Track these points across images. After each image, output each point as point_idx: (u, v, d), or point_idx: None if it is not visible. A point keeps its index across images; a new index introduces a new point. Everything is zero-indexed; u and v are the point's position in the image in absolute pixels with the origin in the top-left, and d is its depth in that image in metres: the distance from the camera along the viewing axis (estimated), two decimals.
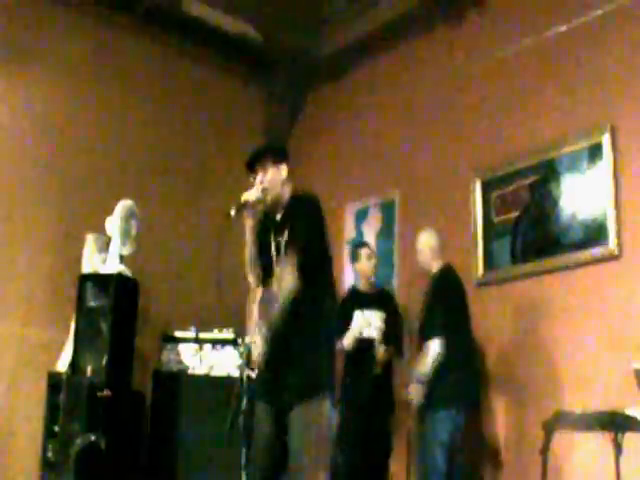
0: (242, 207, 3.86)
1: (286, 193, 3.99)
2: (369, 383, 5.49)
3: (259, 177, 3.99)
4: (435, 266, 5.28)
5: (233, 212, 3.83)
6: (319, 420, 3.67)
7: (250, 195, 3.89)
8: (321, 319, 3.80)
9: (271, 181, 3.96)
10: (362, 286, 5.87)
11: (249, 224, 3.93)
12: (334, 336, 4.17)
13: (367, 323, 5.63)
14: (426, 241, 5.34)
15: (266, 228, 4.04)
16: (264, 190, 3.92)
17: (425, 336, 5.02)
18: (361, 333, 5.59)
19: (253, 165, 4.07)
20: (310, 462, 3.60)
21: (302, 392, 3.70)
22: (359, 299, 5.76)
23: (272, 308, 3.87)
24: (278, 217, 4.01)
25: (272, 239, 3.97)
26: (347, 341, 5.53)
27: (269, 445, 3.76)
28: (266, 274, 3.98)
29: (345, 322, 5.58)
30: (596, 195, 5.12)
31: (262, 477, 3.78)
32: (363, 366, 5.55)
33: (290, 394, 3.72)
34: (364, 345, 5.56)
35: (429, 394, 4.98)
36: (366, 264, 5.78)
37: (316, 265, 3.81)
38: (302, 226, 3.85)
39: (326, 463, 3.66)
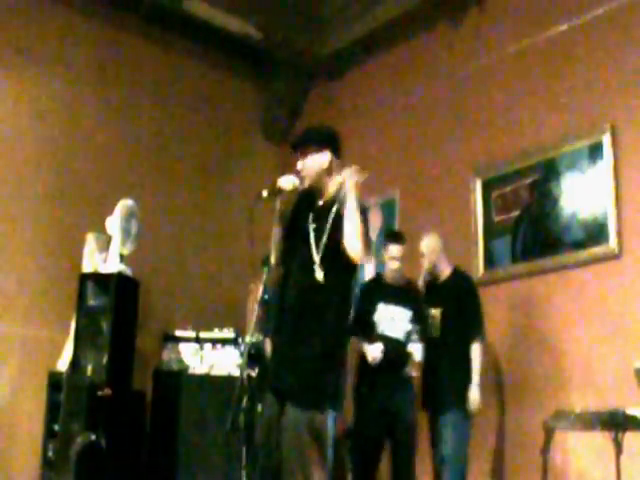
0: (276, 192, 3.72)
1: (328, 181, 3.83)
2: (399, 389, 5.05)
3: (299, 163, 3.81)
4: (447, 269, 5.25)
5: (265, 194, 3.70)
6: (318, 433, 3.61)
7: (286, 183, 3.72)
8: (336, 324, 3.70)
9: (310, 168, 3.78)
10: (388, 276, 5.28)
11: (280, 208, 3.77)
12: (345, 344, 4.01)
13: (391, 320, 5.11)
14: (435, 244, 5.28)
15: (301, 211, 3.94)
16: (301, 178, 3.78)
17: (469, 338, 5.00)
18: (383, 331, 5.07)
19: (295, 149, 3.89)
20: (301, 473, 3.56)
21: (300, 396, 3.65)
22: (385, 291, 5.22)
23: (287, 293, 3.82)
24: (320, 203, 3.89)
25: (310, 223, 3.85)
26: (375, 355, 5.00)
27: (272, 435, 3.71)
28: (290, 258, 3.88)
29: (366, 313, 5.12)
30: (596, 194, 5.12)
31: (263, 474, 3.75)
32: (388, 370, 5.02)
33: (288, 391, 3.67)
34: (388, 346, 5.02)
35: (443, 397, 5.01)
36: (389, 262, 5.23)
37: (345, 268, 3.71)
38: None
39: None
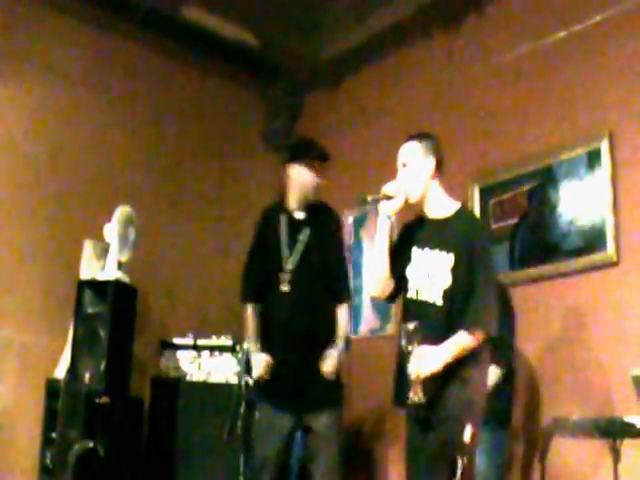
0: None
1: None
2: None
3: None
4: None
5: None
6: (337, 434, 4.00)
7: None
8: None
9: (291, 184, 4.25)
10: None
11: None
12: None
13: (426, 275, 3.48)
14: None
15: (275, 223, 4.14)
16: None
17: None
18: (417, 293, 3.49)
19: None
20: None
21: (323, 404, 4.03)
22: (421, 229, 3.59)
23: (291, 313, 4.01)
24: (297, 216, 4.08)
25: (286, 236, 4.03)
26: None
27: (280, 456, 3.94)
28: (274, 272, 4.08)
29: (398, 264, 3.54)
30: (594, 201, 5.12)
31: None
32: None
33: (312, 405, 3.90)
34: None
35: None
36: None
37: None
38: (342, 259, 4.24)
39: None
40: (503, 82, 5.92)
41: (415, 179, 3.55)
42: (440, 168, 3.58)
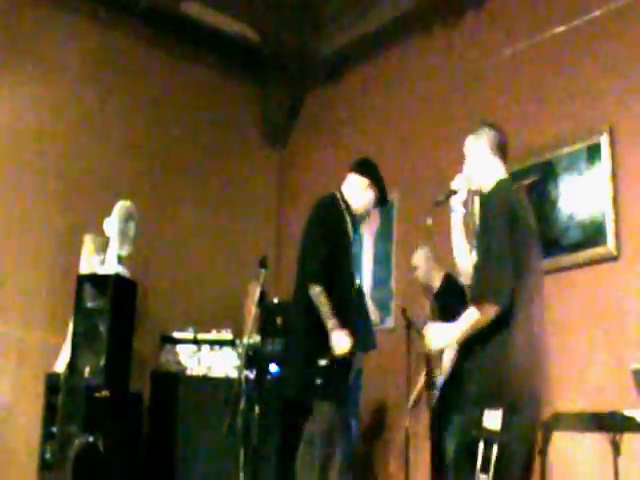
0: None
1: None
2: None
3: None
4: (438, 277, 5.30)
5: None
6: None
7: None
8: None
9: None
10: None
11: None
12: None
13: None
14: (423, 257, 5.37)
15: (344, 220, 4.43)
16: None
17: None
18: None
19: None
20: None
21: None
22: None
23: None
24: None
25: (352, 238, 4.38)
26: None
27: None
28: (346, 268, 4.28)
29: None
30: (594, 196, 5.12)
31: None
32: None
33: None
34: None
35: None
36: None
37: None
38: None
39: None
40: (502, 77, 5.91)
41: (472, 167, 3.65)
42: (495, 148, 3.71)
